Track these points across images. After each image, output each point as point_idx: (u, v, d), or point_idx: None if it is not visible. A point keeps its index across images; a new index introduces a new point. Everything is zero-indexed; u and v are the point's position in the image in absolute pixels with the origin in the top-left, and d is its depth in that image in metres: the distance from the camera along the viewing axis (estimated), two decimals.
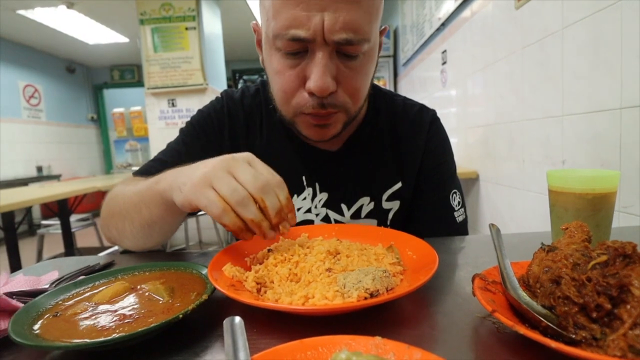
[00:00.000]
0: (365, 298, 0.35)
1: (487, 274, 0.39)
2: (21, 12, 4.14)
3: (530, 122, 1.42)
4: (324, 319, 0.36)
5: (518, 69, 1.48)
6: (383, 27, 0.64)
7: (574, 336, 0.29)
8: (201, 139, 0.73)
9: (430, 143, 0.74)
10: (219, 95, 0.77)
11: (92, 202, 5.97)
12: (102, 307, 0.37)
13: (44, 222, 3.17)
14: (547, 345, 0.26)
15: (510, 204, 1.62)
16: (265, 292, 0.40)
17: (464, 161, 2.16)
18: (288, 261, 0.44)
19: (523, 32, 1.43)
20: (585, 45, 1.08)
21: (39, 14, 4.22)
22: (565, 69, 1.18)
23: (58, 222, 2.67)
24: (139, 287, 0.41)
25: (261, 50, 0.63)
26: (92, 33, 5.00)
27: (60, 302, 0.38)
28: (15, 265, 2.05)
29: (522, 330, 0.28)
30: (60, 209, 2.55)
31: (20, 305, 0.36)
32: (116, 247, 2.44)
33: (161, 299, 0.38)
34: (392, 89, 4.06)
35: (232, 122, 0.74)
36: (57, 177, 5.44)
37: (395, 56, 3.98)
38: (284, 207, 0.46)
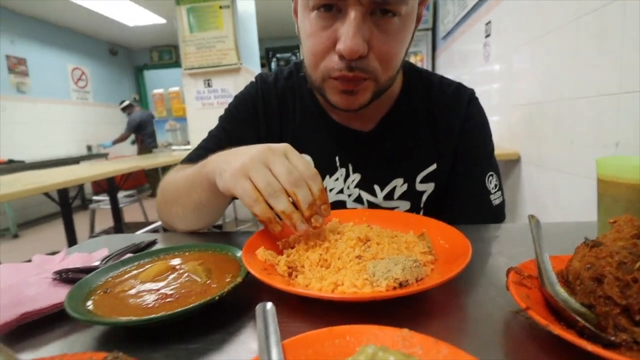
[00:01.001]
0: (394, 288, 0.35)
1: (523, 267, 0.37)
2: None
3: (581, 101, 1.31)
4: (353, 306, 0.36)
5: (571, 42, 1.36)
6: None
7: (613, 338, 0.27)
8: (239, 124, 0.75)
9: (468, 123, 0.71)
10: (253, 80, 0.78)
11: (137, 179, 6.37)
12: (146, 285, 0.40)
13: (95, 197, 3.42)
14: (583, 348, 0.25)
15: (555, 189, 1.53)
16: (296, 276, 0.41)
17: (505, 141, 2.05)
18: (319, 247, 0.45)
19: (578, 0, 1.30)
20: None
21: None
22: (626, 41, 1.07)
23: (107, 198, 2.87)
24: (179, 266, 0.44)
25: (297, 17, 0.63)
26: (131, 15, 5.17)
27: (109, 279, 0.42)
28: (70, 237, 2.24)
29: (557, 330, 0.27)
30: (109, 186, 2.74)
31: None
32: (159, 223, 2.60)
33: (199, 279, 0.40)
34: (430, 64, 3.90)
35: (266, 106, 0.75)
36: (105, 156, 5.80)
37: (434, 29, 3.79)
38: (317, 199, 0.46)
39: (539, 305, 0.33)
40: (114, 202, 2.76)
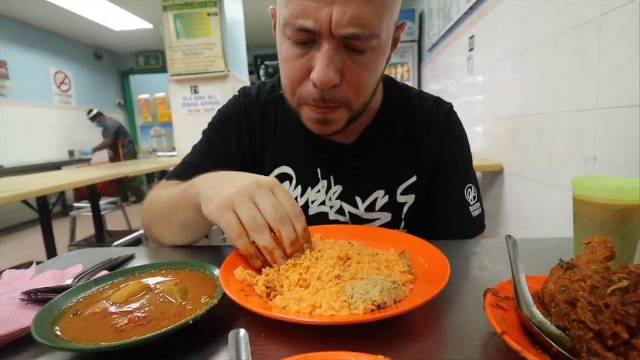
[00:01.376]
0: (372, 310, 0.35)
1: (500, 288, 0.38)
2: (50, 0, 4.26)
3: (561, 115, 1.35)
4: (331, 329, 0.36)
5: (550, 58, 1.40)
6: (401, 23, 0.63)
7: None
8: (222, 138, 0.76)
9: (446, 137, 0.72)
10: (237, 94, 0.79)
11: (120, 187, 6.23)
12: (118, 308, 0.38)
13: (76, 204, 3.34)
14: None
15: (536, 200, 1.56)
16: (275, 296, 0.40)
17: (488, 152, 2.09)
18: (299, 266, 0.44)
19: (558, 19, 1.34)
20: (625, 36, 1.01)
21: (68, 2, 4.33)
22: (602, 60, 1.11)
23: (89, 205, 2.80)
24: (154, 286, 0.43)
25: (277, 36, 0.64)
26: (118, 19, 5.12)
27: (81, 300, 0.40)
28: (49, 245, 2.17)
29: (531, 356, 0.27)
30: (91, 193, 2.67)
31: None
32: (141, 232, 2.54)
33: (174, 301, 0.39)
34: (416, 75, 3.96)
35: (249, 119, 0.76)
36: (87, 162, 5.67)
37: (420, 41, 3.86)
38: (301, 237, 0.47)
39: (515, 328, 0.33)
40: (96, 210, 2.69)
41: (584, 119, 1.21)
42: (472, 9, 2.26)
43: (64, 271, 0.53)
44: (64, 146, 5.64)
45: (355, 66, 0.55)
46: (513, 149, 1.77)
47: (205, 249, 0.66)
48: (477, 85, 2.27)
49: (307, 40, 0.54)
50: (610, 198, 0.46)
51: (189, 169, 0.73)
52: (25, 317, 0.38)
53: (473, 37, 2.28)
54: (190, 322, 0.33)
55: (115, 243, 2.26)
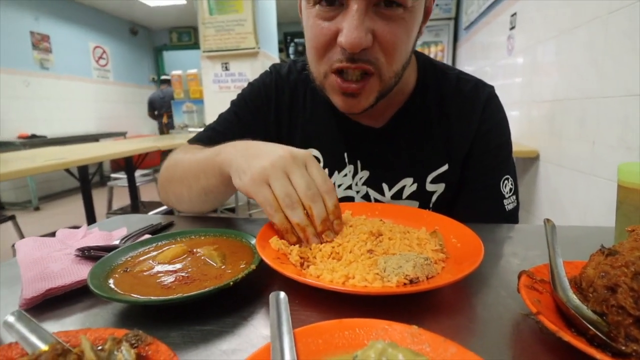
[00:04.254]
0: (405, 284, 0.36)
1: (535, 271, 0.37)
2: None
3: (607, 100, 1.27)
4: (363, 299, 0.37)
5: (600, 38, 1.31)
6: None
7: (624, 348, 0.27)
8: (250, 111, 0.75)
9: (485, 124, 0.68)
10: (269, 69, 0.78)
11: (154, 159, 6.47)
12: (164, 267, 0.41)
13: (113, 175, 3.51)
14: (591, 356, 0.25)
15: (574, 190, 1.49)
16: (308, 266, 0.42)
17: (524, 138, 2.00)
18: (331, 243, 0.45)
19: None
20: None
21: None
22: None
23: (125, 176, 2.94)
24: (195, 250, 0.45)
25: (302, 15, 0.61)
26: None
27: (129, 259, 0.43)
28: (89, 212, 2.31)
29: (567, 337, 0.27)
30: (127, 165, 2.80)
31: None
32: None
33: (214, 264, 0.42)
34: (450, 55, 3.80)
35: (278, 97, 0.75)
36: (123, 134, 5.91)
37: (457, 19, 3.68)
38: (331, 214, 0.46)
39: (550, 310, 0.33)
40: (131, 181, 2.82)
41: (633, 105, 1.13)
42: None
43: (110, 233, 0.57)
44: (102, 119, 5.89)
45: (387, 25, 0.51)
46: (551, 134, 1.69)
47: (237, 220, 0.69)
48: (516, 66, 2.16)
49: None
50: None
51: (213, 135, 0.73)
52: (80, 271, 0.42)
53: (515, 14, 2.15)
54: (231, 283, 0.35)
55: (150, 213, 2.37)
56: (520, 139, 2.05)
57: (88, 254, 0.45)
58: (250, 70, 3.55)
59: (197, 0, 3.50)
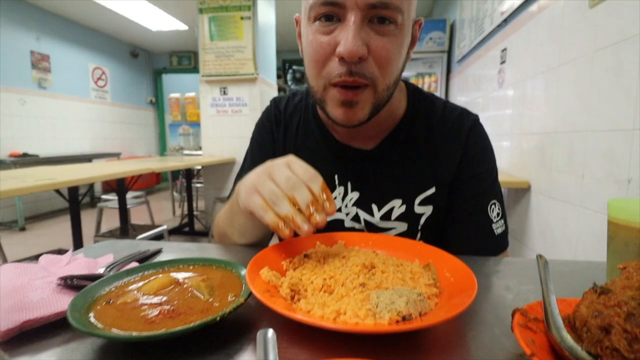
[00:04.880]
0: (397, 321, 0.35)
1: (529, 308, 0.37)
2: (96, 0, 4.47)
3: (594, 134, 1.30)
4: (354, 336, 0.36)
5: (586, 74, 1.36)
6: (418, 19, 0.64)
7: None
8: (261, 150, 0.80)
9: (470, 150, 0.71)
10: (269, 104, 0.83)
11: (147, 181, 6.43)
12: (148, 299, 0.40)
13: (104, 196, 3.46)
14: None
15: (564, 221, 1.51)
16: (299, 299, 0.41)
17: (515, 169, 2.03)
18: (323, 272, 0.44)
19: (596, 34, 1.30)
20: None
21: (111, 2, 4.54)
22: None
23: (116, 197, 2.90)
24: (182, 281, 0.44)
25: (301, 41, 0.65)
26: (155, 20, 5.32)
27: (113, 290, 0.42)
28: (76, 235, 2.26)
29: None
30: (119, 186, 2.77)
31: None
32: (165, 227, 2.61)
33: (202, 296, 0.41)
34: (444, 86, 3.91)
35: (278, 127, 0.79)
36: (117, 155, 5.89)
37: (450, 52, 3.82)
38: (318, 196, 0.48)
39: (544, 350, 0.32)
40: (122, 203, 2.79)
41: (620, 139, 1.16)
42: (505, 21, 2.22)
43: (96, 259, 0.56)
44: (96, 139, 5.88)
45: (381, 39, 0.56)
46: (542, 166, 1.72)
47: (233, 247, 0.68)
48: (507, 99, 2.22)
49: (332, 14, 0.55)
50: None
51: None
52: (60, 301, 0.40)
53: (505, 49, 2.24)
54: (217, 318, 0.34)
55: (139, 237, 2.33)
56: (512, 169, 2.08)
57: (71, 283, 0.44)
58: (248, 95, 3.61)
59: (199, 26, 3.60)
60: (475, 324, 0.40)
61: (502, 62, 2.29)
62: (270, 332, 0.30)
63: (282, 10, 4.49)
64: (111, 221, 3.42)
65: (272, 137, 0.79)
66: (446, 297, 0.42)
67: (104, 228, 3.08)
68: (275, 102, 0.82)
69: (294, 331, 0.37)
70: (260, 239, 0.69)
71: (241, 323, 0.39)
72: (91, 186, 4.89)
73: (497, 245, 0.69)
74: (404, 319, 0.35)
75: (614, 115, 1.20)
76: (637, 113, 1.09)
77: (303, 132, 0.77)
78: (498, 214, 0.70)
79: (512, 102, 2.15)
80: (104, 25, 5.68)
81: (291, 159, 0.52)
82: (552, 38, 1.64)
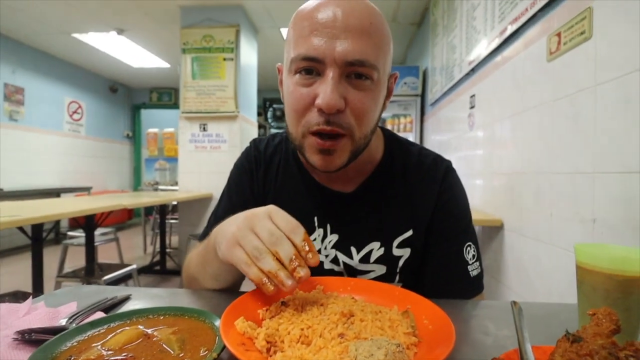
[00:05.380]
0: None
1: (506, 357, 0.37)
2: (76, 35, 4.51)
3: (559, 176, 1.38)
4: None
5: (548, 121, 1.46)
6: (393, 73, 0.68)
7: None
8: (240, 190, 0.79)
9: (444, 194, 0.73)
10: (249, 145, 0.84)
11: (118, 216, 6.18)
12: (114, 355, 0.37)
13: (70, 233, 3.29)
14: None
15: (537, 258, 1.55)
16: (275, 352, 0.39)
17: (488, 207, 2.10)
18: (301, 321, 0.43)
19: (554, 85, 1.42)
20: (619, 104, 1.06)
21: (92, 38, 4.59)
22: (598, 126, 1.16)
23: (83, 234, 2.76)
24: (151, 333, 0.42)
25: (282, 88, 0.68)
26: (137, 57, 5.38)
27: (75, 344, 0.39)
28: (37, 276, 2.12)
29: None
30: (87, 223, 2.65)
31: None
32: (134, 266, 2.48)
33: (172, 352, 0.38)
34: (418, 127, 4.08)
35: (258, 167, 0.79)
36: (88, 189, 5.68)
37: (423, 95, 4.03)
38: (301, 249, 0.48)
39: None
40: (90, 240, 2.65)
41: (582, 181, 1.23)
42: (473, 70, 2.39)
43: (57, 309, 0.52)
44: (67, 173, 5.68)
45: (358, 93, 0.59)
46: (512, 205, 1.79)
47: (206, 293, 0.65)
48: (478, 140, 2.34)
49: (312, 68, 0.58)
50: (613, 268, 0.46)
51: (215, 225, 0.75)
52: (18, 358, 0.37)
53: (474, 95, 2.39)
54: None
55: (105, 277, 2.20)
56: (485, 207, 2.14)
57: (29, 337, 0.41)
58: (228, 132, 3.63)
59: (181, 65, 3.66)
60: None
61: (472, 107, 2.43)
62: None
63: (264, 52, 4.66)
64: (76, 259, 3.23)
65: (251, 177, 0.79)
66: (425, 346, 0.41)
67: (69, 267, 2.90)
68: (255, 142, 0.83)
69: None
70: (233, 284, 0.67)
71: None
72: (57, 222, 4.66)
73: (473, 287, 0.70)
74: None
75: (575, 158, 1.28)
76: (596, 158, 1.16)
77: (283, 173, 0.77)
78: (474, 256, 0.71)
79: (482, 143, 2.26)
80: (82, 60, 5.68)
81: (272, 209, 0.52)
82: (516, 86, 1.77)
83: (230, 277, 0.64)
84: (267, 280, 0.47)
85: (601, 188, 1.14)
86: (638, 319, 0.47)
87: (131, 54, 5.22)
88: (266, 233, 0.48)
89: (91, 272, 2.33)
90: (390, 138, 0.79)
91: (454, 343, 0.38)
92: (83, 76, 6.08)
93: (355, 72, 0.58)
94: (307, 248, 0.49)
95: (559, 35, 1.38)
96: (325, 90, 0.56)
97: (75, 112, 5.89)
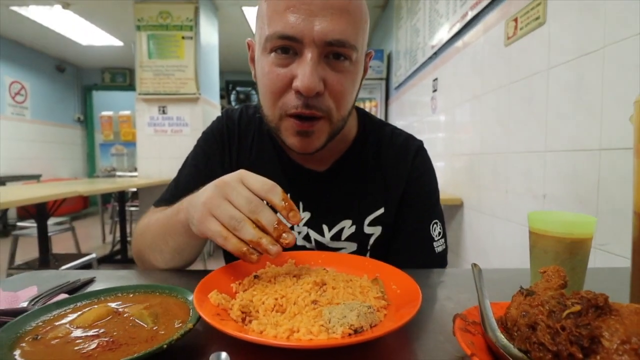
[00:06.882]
0: (350, 334, 0.36)
1: (467, 313, 0.40)
2: (14, 8, 4.10)
3: (514, 155, 1.47)
4: (308, 352, 0.36)
5: (505, 103, 1.54)
6: (369, 51, 0.68)
7: None
8: (208, 158, 0.77)
9: (414, 172, 0.75)
10: (220, 114, 0.81)
11: (72, 205, 5.82)
12: (84, 332, 0.36)
13: (20, 223, 3.07)
14: None
15: (493, 233, 1.65)
16: (250, 321, 0.40)
17: (449, 187, 2.20)
18: (275, 291, 0.44)
19: (511, 68, 1.49)
20: (569, 87, 1.14)
21: (33, 12, 4.19)
22: (549, 107, 1.24)
23: (34, 224, 2.59)
24: (122, 310, 0.41)
25: (254, 65, 0.66)
26: (86, 34, 4.99)
27: (41, 324, 0.37)
28: None
29: None
30: (38, 212, 2.48)
31: None
32: (93, 255, 2.37)
33: (145, 325, 0.38)
34: (383, 110, 4.15)
35: (230, 140, 0.77)
36: (37, 177, 5.29)
37: (387, 79, 4.08)
38: (282, 210, 0.47)
39: (482, 351, 0.35)
40: (42, 230, 2.49)
41: (535, 160, 1.32)
42: (435, 54, 2.45)
43: (16, 293, 0.50)
44: (12, 160, 5.24)
45: (336, 75, 0.58)
46: (471, 184, 1.89)
47: (175, 272, 0.64)
48: (440, 123, 2.42)
49: (288, 47, 0.56)
50: (562, 231, 0.50)
51: (176, 192, 0.72)
52: None
53: (436, 79, 2.45)
54: (165, 346, 0.32)
55: (63, 267, 2.09)
56: (446, 187, 2.24)
57: None
58: (189, 115, 3.50)
59: (136, 43, 3.45)
60: (421, 332, 0.42)
61: (434, 91, 2.50)
62: (224, 355, 0.29)
63: (225, 32, 4.48)
64: (29, 251, 3.03)
65: (223, 148, 0.76)
66: (394, 308, 0.43)
67: (20, 259, 2.71)
68: (227, 113, 0.80)
69: (248, 352, 0.36)
70: (190, 262, 0.65)
71: (192, 350, 0.37)
72: (4, 212, 4.32)
73: (437, 262, 0.73)
74: (355, 331, 0.36)
75: (529, 138, 1.36)
76: (547, 137, 1.25)
77: (258, 147, 0.76)
78: (439, 233, 0.74)
79: (444, 126, 2.35)
80: (24, 37, 5.19)
81: (243, 173, 0.49)
82: (476, 70, 1.84)
83: (194, 253, 0.63)
84: (248, 250, 0.45)
85: (551, 165, 1.23)
86: (581, 276, 0.52)
87: (79, 30, 4.83)
88: (243, 200, 0.46)
89: (46, 262, 2.20)
90: (364, 117, 0.79)
91: (421, 303, 0.41)
92: (26, 54, 5.56)
93: (334, 52, 0.57)
94: (287, 206, 0.47)
95: (515, 20, 1.44)
96: (304, 73, 0.54)
97: (18, 93, 5.40)
